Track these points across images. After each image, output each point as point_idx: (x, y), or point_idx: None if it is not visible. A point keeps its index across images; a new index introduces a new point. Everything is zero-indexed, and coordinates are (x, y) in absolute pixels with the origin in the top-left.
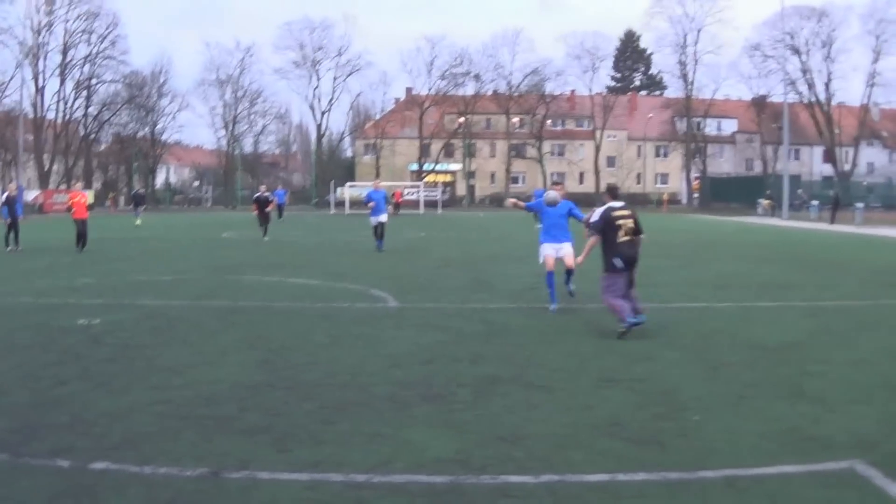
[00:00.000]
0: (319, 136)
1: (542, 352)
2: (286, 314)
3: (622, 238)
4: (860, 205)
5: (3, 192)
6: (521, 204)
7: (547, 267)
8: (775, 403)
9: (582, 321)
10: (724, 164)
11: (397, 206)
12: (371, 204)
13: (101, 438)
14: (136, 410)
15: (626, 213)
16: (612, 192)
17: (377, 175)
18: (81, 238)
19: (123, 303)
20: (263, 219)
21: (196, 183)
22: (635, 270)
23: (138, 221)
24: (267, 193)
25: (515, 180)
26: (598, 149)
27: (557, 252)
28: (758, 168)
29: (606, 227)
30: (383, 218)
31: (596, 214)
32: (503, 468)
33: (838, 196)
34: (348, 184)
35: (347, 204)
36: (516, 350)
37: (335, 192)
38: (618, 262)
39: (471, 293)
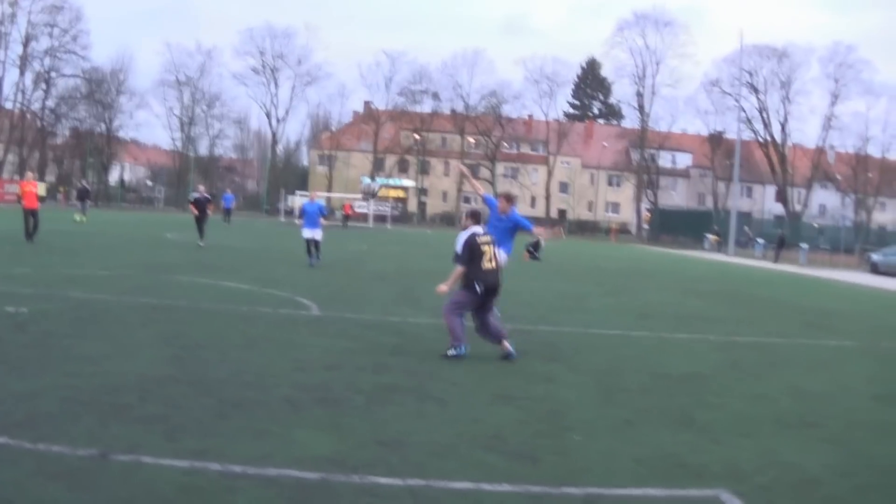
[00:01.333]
0: (274, 144)
1: (448, 366)
2: (208, 314)
3: (487, 265)
4: (805, 245)
5: None
6: (479, 186)
7: None
8: (660, 431)
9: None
10: (676, 197)
11: (346, 217)
12: (305, 216)
13: (5, 416)
14: (43, 394)
15: (487, 239)
16: (475, 217)
17: (329, 187)
18: (31, 227)
19: (54, 294)
20: (201, 221)
21: (149, 182)
22: (497, 298)
23: (79, 217)
24: (206, 195)
25: (467, 200)
26: (550, 174)
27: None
28: (710, 203)
29: (473, 254)
30: (317, 234)
31: (459, 243)
32: (375, 470)
33: (784, 235)
34: (298, 193)
35: (297, 213)
36: (422, 363)
37: (286, 200)
38: (479, 287)
39: (394, 306)
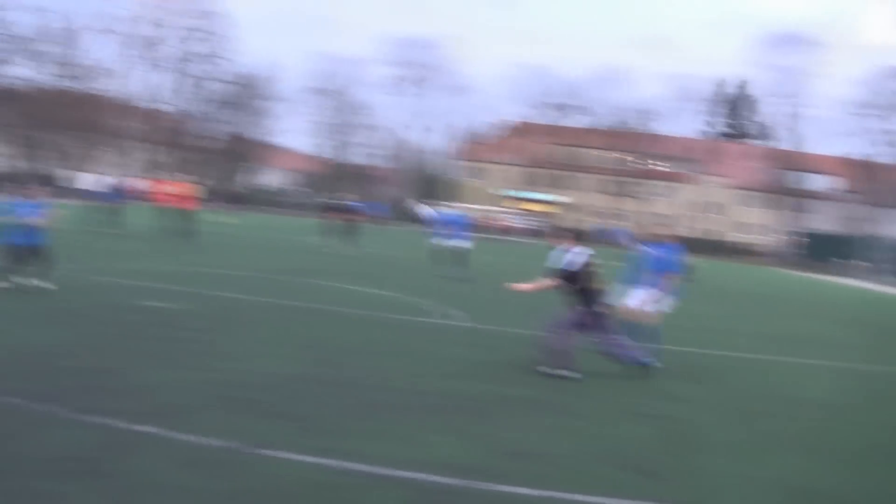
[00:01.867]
0: (418, 154)
1: (588, 383)
2: (352, 320)
3: (600, 286)
4: None
5: (113, 179)
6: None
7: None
8: (794, 457)
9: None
10: (824, 220)
11: (492, 231)
12: (439, 227)
13: (151, 405)
14: (186, 386)
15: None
16: (580, 237)
17: (472, 199)
18: (183, 227)
19: (201, 292)
20: (349, 228)
21: (296, 188)
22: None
23: (231, 219)
24: (353, 203)
25: (618, 217)
26: (695, 193)
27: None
28: (855, 228)
29: (591, 275)
30: (460, 245)
31: (565, 260)
32: (506, 479)
33: None
34: (432, 203)
35: (433, 222)
36: (564, 378)
37: (420, 209)
38: (598, 307)
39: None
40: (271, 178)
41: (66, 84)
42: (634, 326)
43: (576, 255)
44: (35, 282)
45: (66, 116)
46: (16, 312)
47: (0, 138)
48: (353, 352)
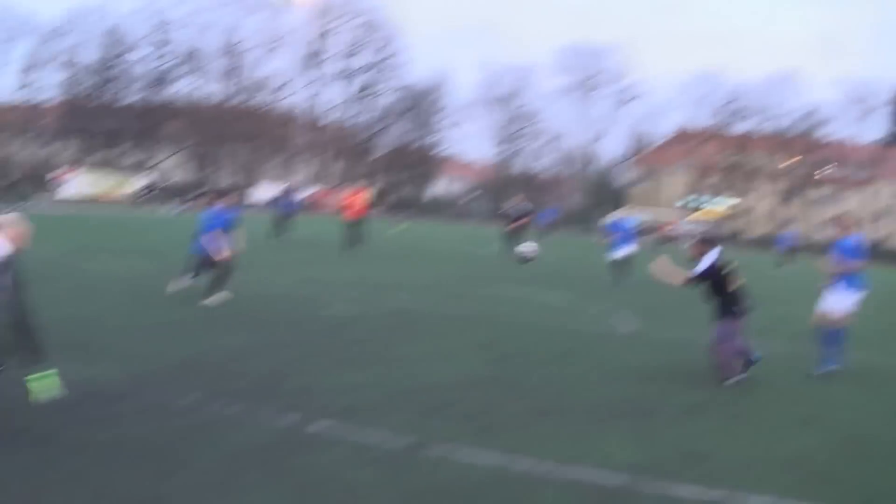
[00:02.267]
0: (590, 162)
1: (755, 388)
2: (523, 326)
3: (738, 288)
4: None
5: (284, 190)
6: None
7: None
8: None
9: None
10: None
11: (663, 239)
12: (611, 233)
13: (328, 404)
14: (363, 388)
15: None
16: (711, 243)
17: (643, 205)
18: (354, 236)
19: (375, 299)
20: (514, 233)
21: (468, 197)
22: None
23: (401, 227)
24: (524, 207)
25: (789, 223)
26: (867, 198)
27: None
28: None
29: (726, 279)
30: (628, 252)
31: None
32: (676, 480)
33: None
34: (616, 210)
35: (608, 230)
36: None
37: (604, 217)
38: (739, 310)
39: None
40: (443, 188)
41: (236, 98)
42: (829, 331)
43: (707, 259)
44: (209, 290)
45: (236, 129)
46: (203, 319)
47: (171, 152)
48: (526, 356)
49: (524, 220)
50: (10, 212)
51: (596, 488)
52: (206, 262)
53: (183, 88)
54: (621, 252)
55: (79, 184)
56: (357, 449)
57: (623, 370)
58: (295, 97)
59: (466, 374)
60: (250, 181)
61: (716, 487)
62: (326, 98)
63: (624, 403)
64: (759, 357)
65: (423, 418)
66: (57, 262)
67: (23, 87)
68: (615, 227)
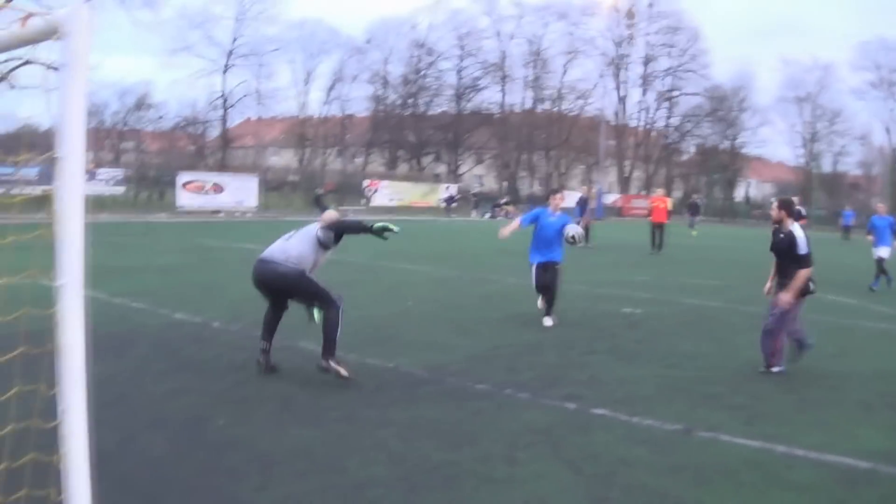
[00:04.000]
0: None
1: None
2: (818, 325)
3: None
4: None
5: (582, 194)
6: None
7: None
8: None
9: None
10: None
11: None
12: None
13: (607, 394)
14: (643, 379)
15: None
16: (790, 208)
17: None
18: (657, 240)
19: (667, 298)
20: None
21: (773, 199)
22: None
23: (694, 231)
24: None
25: None
26: None
27: None
28: None
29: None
30: (884, 252)
31: (800, 242)
32: None
33: None
34: None
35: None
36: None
37: None
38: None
39: None
40: (748, 190)
41: (539, 105)
42: None
43: (798, 232)
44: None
45: (540, 136)
46: (501, 318)
47: (478, 160)
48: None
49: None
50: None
51: (841, 471)
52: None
53: (489, 97)
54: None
55: (388, 193)
56: (630, 431)
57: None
58: (599, 103)
59: (741, 371)
60: (556, 187)
61: None
62: (631, 102)
63: (884, 397)
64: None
65: (694, 408)
66: (369, 266)
67: (331, 100)
68: (873, 223)
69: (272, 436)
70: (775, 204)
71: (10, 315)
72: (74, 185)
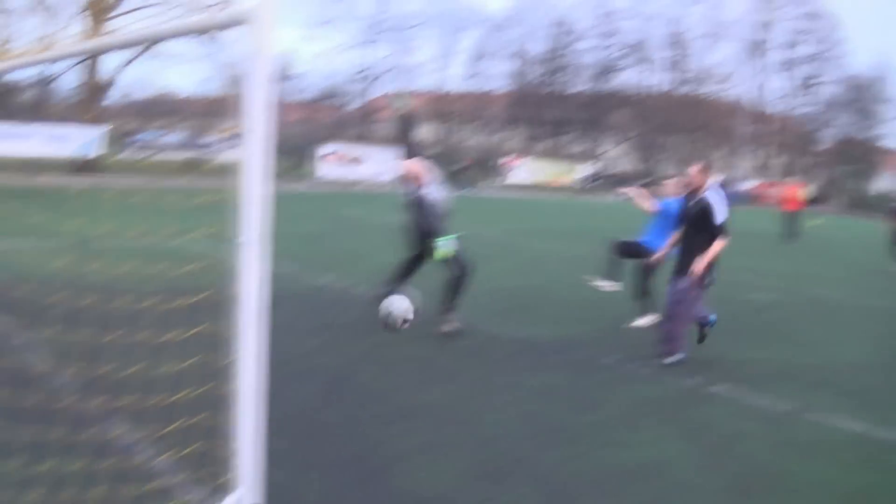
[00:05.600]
0: None
1: None
2: None
3: None
4: None
5: (717, 180)
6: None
7: None
8: None
9: None
10: None
11: None
12: None
13: (726, 373)
14: (763, 361)
15: None
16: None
17: None
18: (789, 229)
19: (792, 288)
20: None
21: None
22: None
23: (817, 221)
24: None
25: None
26: None
27: None
28: None
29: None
30: None
31: (717, 209)
32: None
33: None
34: None
35: None
36: None
37: None
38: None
39: None
40: (886, 183)
41: (679, 88)
42: None
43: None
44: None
45: (679, 119)
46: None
47: (617, 141)
48: None
49: None
50: (458, 195)
51: None
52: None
53: (629, 78)
54: None
55: (526, 170)
56: (744, 408)
57: None
58: (739, 88)
59: (858, 359)
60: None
61: None
62: (770, 89)
63: None
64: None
65: (808, 391)
66: (506, 241)
67: (472, 76)
68: None
69: (412, 391)
70: (696, 167)
71: (191, 266)
72: (257, 157)
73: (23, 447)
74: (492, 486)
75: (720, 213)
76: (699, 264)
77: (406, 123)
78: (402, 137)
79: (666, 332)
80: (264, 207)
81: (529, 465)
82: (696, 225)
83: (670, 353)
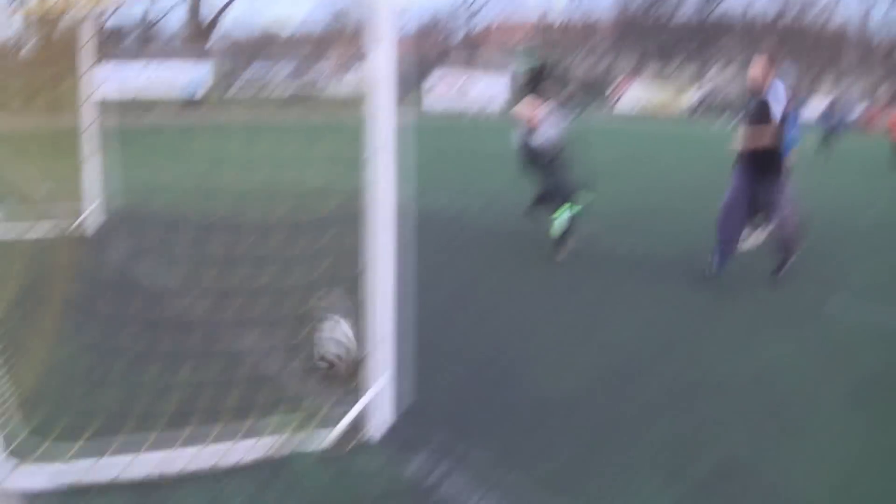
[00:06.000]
0: None
1: None
2: None
3: None
4: None
5: (828, 103)
6: None
7: None
8: None
9: None
10: None
11: None
12: None
13: (836, 284)
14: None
15: None
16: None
17: None
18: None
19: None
20: None
21: None
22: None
23: None
24: None
25: None
26: None
27: None
28: None
29: None
30: None
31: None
32: None
33: None
34: None
35: None
36: None
37: None
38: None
39: None
40: None
41: (789, 14)
42: None
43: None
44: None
45: (788, 46)
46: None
47: (724, 66)
48: None
49: None
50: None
51: None
52: None
53: (736, 5)
54: None
55: (635, 97)
56: (861, 320)
57: None
58: (846, 13)
59: None
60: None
61: None
62: (876, 16)
63: None
64: None
65: None
66: (616, 167)
67: (576, 4)
68: None
69: (534, 303)
70: (758, 65)
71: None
72: (385, 83)
73: (161, 355)
74: (617, 391)
75: (777, 111)
76: (785, 162)
77: (536, 76)
78: (532, 89)
79: (781, 240)
80: (391, 131)
81: (651, 371)
82: (758, 124)
83: (786, 259)
